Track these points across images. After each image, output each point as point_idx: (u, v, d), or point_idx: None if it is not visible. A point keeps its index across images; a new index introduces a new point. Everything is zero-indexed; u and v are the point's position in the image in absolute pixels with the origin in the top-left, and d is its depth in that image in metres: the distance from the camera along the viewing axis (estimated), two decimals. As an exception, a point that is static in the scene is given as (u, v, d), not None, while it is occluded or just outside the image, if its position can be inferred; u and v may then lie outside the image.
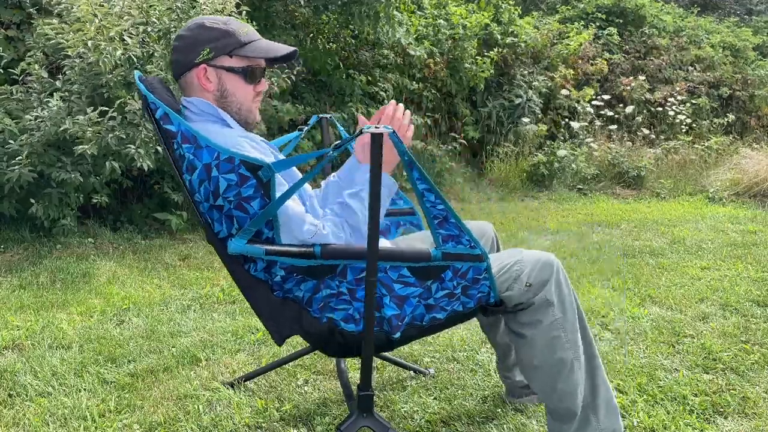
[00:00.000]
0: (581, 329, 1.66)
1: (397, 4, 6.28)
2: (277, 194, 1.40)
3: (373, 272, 1.40)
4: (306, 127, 2.10)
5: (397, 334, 1.53)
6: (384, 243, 1.76)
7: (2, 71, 3.91)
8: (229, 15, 3.96)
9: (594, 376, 1.67)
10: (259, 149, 1.54)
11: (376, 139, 1.28)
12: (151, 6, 3.77)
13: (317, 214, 1.56)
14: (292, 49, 1.61)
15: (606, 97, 7.70)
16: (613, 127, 7.49)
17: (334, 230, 1.51)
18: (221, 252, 1.51)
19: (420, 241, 1.86)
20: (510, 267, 1.60)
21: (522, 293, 1.58)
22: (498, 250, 1.94)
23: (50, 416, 1.91)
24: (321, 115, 2.15)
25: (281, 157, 1.62)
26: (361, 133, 1.31)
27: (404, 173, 1.44)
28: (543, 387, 1.64)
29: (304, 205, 1.55)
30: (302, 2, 5.29)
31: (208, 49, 1.53)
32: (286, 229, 1.45)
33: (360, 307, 1.50)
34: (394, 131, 1.31)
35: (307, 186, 1.64)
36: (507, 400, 2.04)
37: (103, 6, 3.60)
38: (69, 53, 3.58)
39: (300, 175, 1.55)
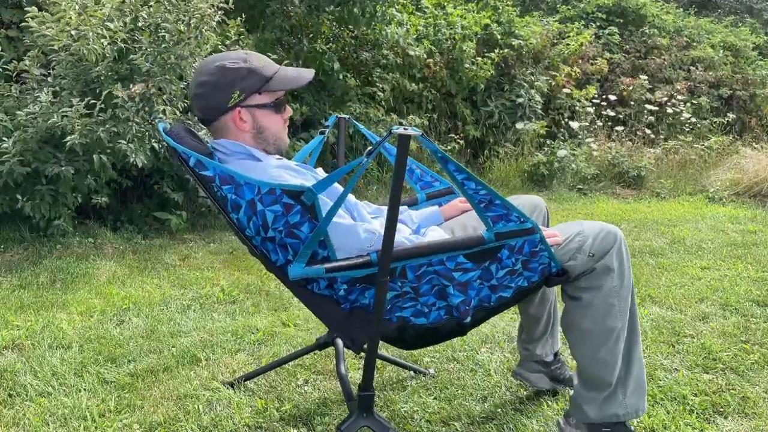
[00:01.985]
0: (631, 304, 1.68)
1: (395, 4, 6.27)
2: (323, 213, 1.42)
3: (384, 273, 1.42)
4: (326, 131, 2.11)
5: (468, 319, 1.57)
6: (436, 231, 1.80)
7: (1, 70, 3.91)
8: (217, 9, 3.91)
9: (632, 352, 1.68)
10: (297, 175, 1.57)
11: (404, 142, 1.29)
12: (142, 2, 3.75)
13: (368, 221, 1.58)
14: (312, 74, 1.67)
15: (612, 97, 7.69)
16: (620, 128, 7.48)
17: None
18: (283, 279, 1.54)
19: (471, 218, 1.88)
20: (572, 238, 1.62)
21: (585, 263, 1.61)
22: (548, 224, 1.95)
23: (50, 416, 1.91)
24: (339, 116, 2.16)
25: (319, 176, 1.63)
26: (390, 134, 1.30)
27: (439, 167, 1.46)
28: (586, 352, 1.66)
29: (351, 216, 1.57)
30: (296, 1, 5.27)
31: (238, 92, 1.56)
32: (343, 244, 1.48)
33: (426, 301, 1.55)
34: (423, 134, 1.33)
35: (350, 196, 1.64)
36: (514, 373, 2.04)
37: None
38: (54, 47, 3.56)
39: (341, 188, 1.57)
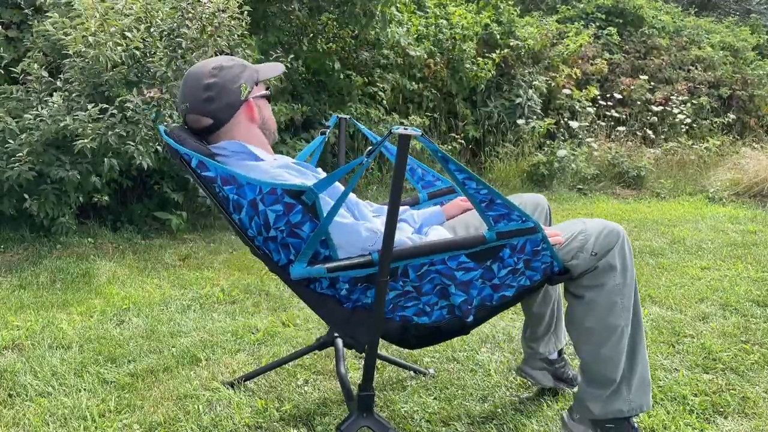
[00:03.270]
0: (634, 301, 1.68)
1: (396, 4, 6.27)
2: (325, 213, 1.43)
3: (384, 273, 1.42)
4: (327, 131, 2.12)
5: (470, 318, 1.57)
6: (438, 230, 1.80)
7: (2, 72, 3.91)
8: (231, 14, 3.95)
9: (636, 349, 1.68)
10: (298, 174, 1.57)
11: (404, 141, 1.29)
12: (154, 7, 3.76)
13: (369, 220, 1.59)
14: (283, 67, 1.80)
15: (615, 96, 7.70)
16: (621, 128, 7.48)
17: None
18: (286, 279, 1.55)
19: (473, 216, 1.88)
20: (575, 236, 1.62)
21: (587, 261, 1.61)
22: (550, 223, 1.96)
23: (50, 416, 1.91)
24: (340, 116, 2.17)
25: (320, 176, 1.64)
26: (390, 133, 1.31)
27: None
28: (589, 350, 1.67)
29: (353, 215, 1.58)
30: (296, 7, 5.29)
31: (244, 84, 1.60)
32: (344, 243, 1.48)
33: (428, 300, 1.55)
34: (423, 134, 1.34)
35: (351, 195, 1.65)
36: (518, 369, 2.04)
37: (104, 1, 3.60)
38: (69, 52, 3.58)
39: (342, 188, 1.57)
